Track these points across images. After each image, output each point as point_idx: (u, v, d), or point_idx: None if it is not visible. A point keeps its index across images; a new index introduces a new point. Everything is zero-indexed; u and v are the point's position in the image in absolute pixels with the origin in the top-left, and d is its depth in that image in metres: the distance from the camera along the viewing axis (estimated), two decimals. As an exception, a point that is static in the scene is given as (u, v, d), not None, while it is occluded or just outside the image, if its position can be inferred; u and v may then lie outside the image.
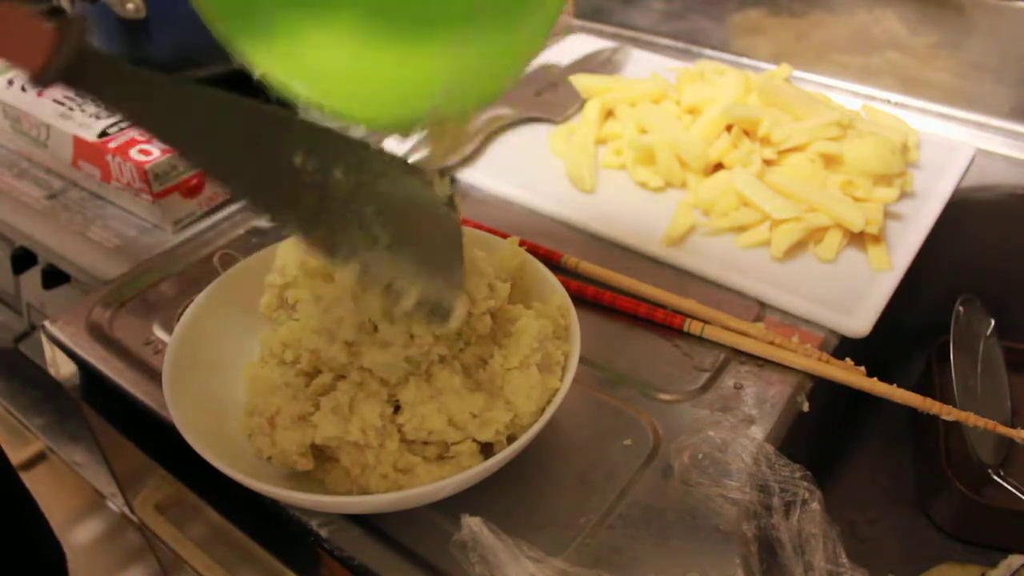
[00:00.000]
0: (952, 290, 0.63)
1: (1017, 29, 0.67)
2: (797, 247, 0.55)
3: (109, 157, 0.60)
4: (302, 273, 0.40)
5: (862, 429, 0.66)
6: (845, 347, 0.49)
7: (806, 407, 0.46)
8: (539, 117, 0.71)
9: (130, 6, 0.63)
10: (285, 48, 0.38)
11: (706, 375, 0.47)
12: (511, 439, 0.38)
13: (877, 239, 0.55)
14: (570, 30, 0.90)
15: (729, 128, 0.61)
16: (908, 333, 0.66)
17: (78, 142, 0.62)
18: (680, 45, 0.85)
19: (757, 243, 0.56)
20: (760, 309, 0.52)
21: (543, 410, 0.39)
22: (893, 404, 0.46)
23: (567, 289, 0.44)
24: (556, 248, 0.55)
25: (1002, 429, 0.44)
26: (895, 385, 0.46)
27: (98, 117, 0.62)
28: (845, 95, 0.75)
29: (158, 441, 0.46)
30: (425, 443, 0.38)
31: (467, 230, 0.47)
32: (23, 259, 0.64)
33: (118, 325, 0.51)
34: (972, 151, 0.65)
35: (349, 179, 0.34)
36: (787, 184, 0.57)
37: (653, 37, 0.87)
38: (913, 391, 0.45)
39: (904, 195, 0.60)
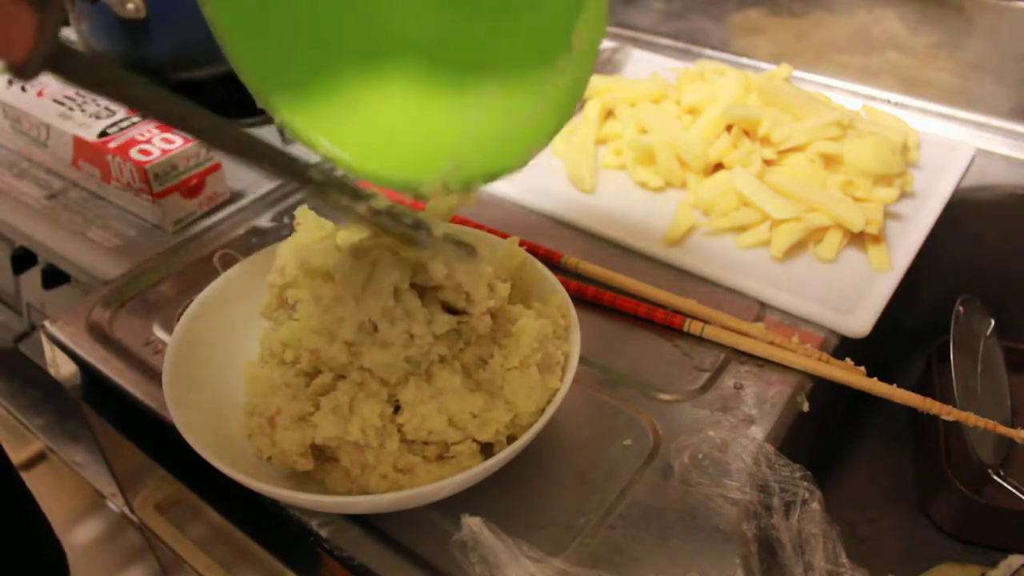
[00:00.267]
0: (952, 290, 0.63)
1: (1017, 29, 0.67)
2: (797, 247, 0.55)
3: (109, 157, 0.60)
4: (302, 273, 0.40)
5: (862, 429, 0.66)
6: (845, 347, 0.49)
7: (806, 407, 0.46)
8: (539, 117, 0.70)
9: (130, 6, 0.63)
10: (318, 105, 0.38)
11: (706, 375, 0.47)
12: (511, 439, 0.38)
13: (877, 239, 0.55)
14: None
15: (729, 128, 0.61)
16: (908, 333, 0.66)
17: (78, 142, 0.62)
18: (680, 45, 0.85)
19: (757, 243, 0.56)
20: (760, 309, 0.52)
21: (543, 410, 0.39)
22: (893, 404, 0.46)
23: (567, 289, 0.44)
24: (556, 248, 0.55)
25: (1002, 429, 0.44)
26: (895, 385, 0.46)
27: (98, 117, 0.62)
28: (845, 95, 0.75)
29: (158, 441, 0.46)
30: (425, 443, 0.38)
31: (467, 230, 0.47)
32: (23, 259, 0.64)
33: (118, 325, 0.51)
34: (972, 151, 0.65)
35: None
36: (787, 184, 0.57)
37: (653, 37, 0.87)
38: (913, 391, 0.45)
39: (904, 195, 0.60)
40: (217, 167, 0.62)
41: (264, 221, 0.61)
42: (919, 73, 0.73)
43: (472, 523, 0.35)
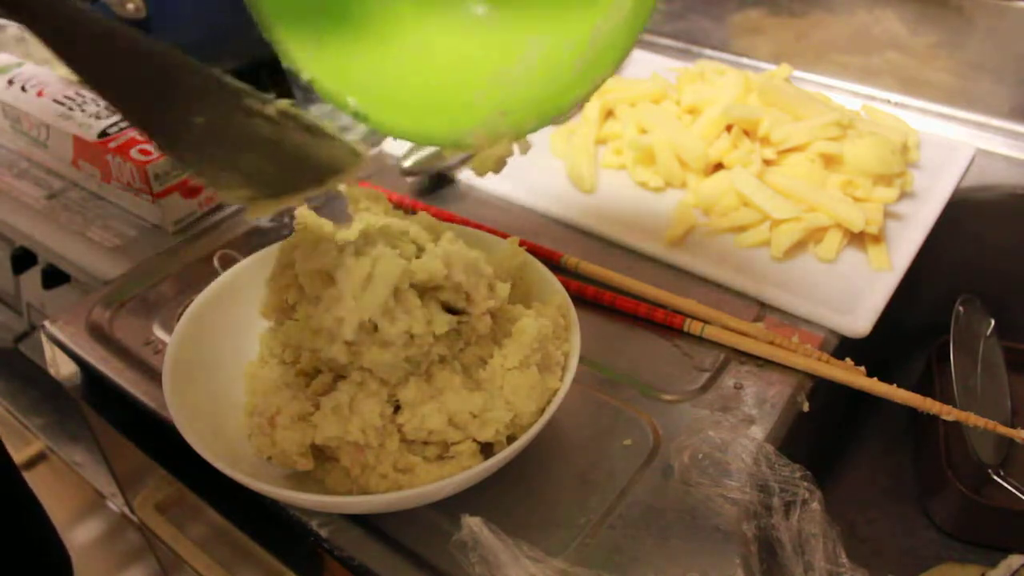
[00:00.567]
0: (952, 290, 0.63)
1: (1017, 29, 0.67)
2: (797, 247, 0.55)
3: (109, 157, 0.60)
4: (302, 273, 0.40)
5: (862, 429, 0.66)
6: (845, 347, 0.49)
7: (806, 407, 0.46)
8: (539, 117, 0.70)
9: (130, 6, 0.63)
10: (340, 55, 0.38)
11: (706, 375, 0.47)
12: (511, 439, 0.38)
13: (877, 239, 0.55)
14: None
15: (729, 128, 0.61)
16: (908, 333, 0.66)
17: (78, 142, 0.62)
18: (680, 45, 0.85)
19: (757, 243, 0.56)
20: (760, 309, 0.52)
21: (543, 410, 0.39)
22: (893, 404, 0.46)
23: (567, 289, 0.44)
24: (556, 248, 0.55)
25: (1002, 429, 0.44)
26: (895, 385, 0.46)
27: (98, 117, 0.62)
28: (845, 95, 0.75)
29: (158, 441, 0.46)
30: (425, 443, 0.38)
31: (467, 230, 0.47)
32: (23, 259, 0.64)
33: (118, 325, 0.51)
34: (972, 151, 0.65)
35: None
36: (787, 184, 0.57)
37: (653, 37, 0.87)
38: (913, 391, 0.45)
39: (904, 195, 0.60)
40: (217, 167, 0.62)
41: (264, 221, 0.61)
42: (919, 73, 0.73)
43: (472, 523, 0.35)
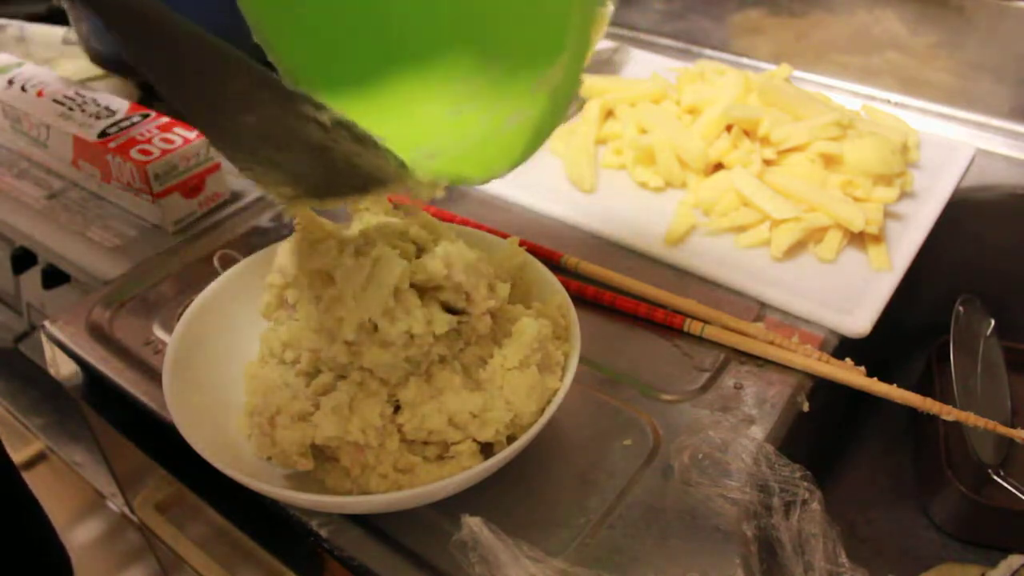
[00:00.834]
0: (952, 290, 0.63)
1: (1017, 29, 0.67)
2: (797, 247, 0.55)
3: (109, 157, 0.60)
4: (302, 273, 0.40)
5: (862, 429, 0.66)
6: (845, 347, 0.49)
7: (806, 407, 0.46)
8: (539, 117, 0.70)
9: (130, 6, 0.63)
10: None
11: (706, 375, 0.47)
12: (511, 439, 0.38)
13: (877, 239, 0.55)
14: (570, 30, 0.90)
15: (729, 128, 0.61)
16: (908, 333, 0.66)
17: (78, 142, 0.62)
18: (680, 45, 0.85)
19: (757, 243, 0.56)
20: (760, 309, 0.52)
21: (543, 410, 0.39)
22: (893, 404, 0.46)
23: (567, 289, 0.44)
24: (556, 248, 0.55)
25: (1002, 429, 0.44)
26: (895, 385, 0.46)
27: (98, 117, 0.62)
28: (845, 95, 0.75)
29: (158, 441, 0.46)
30: (425, 443, 0.38)
31: (467, 230, 0.47)
32: (23, 259, 0.64)
33: (118, 325, 0.51)
34: (972, 151, 0.65)
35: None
36: (787, 184, 0.57)
37: (653, 37, 0.87)
38: (913, 391, 0.45)
39: (904, 195, 0.60)
40: (217, 167, 0.62)
41: (264, 221, 0.61)
42: (919, 73, 0.73)
43: (472, 523, 0.35)
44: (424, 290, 0.38)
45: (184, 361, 0.41)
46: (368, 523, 0.39)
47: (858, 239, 0.56)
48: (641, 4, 0.86)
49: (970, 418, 0.44)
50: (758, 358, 0.48)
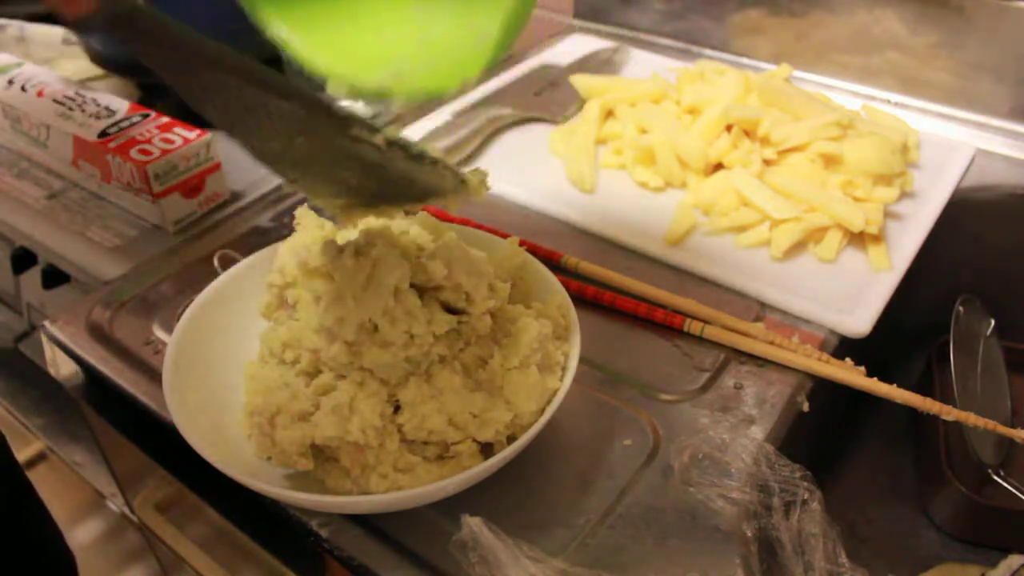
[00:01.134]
0: (952, 290, 0.63)
1: (1017, 29, 0.67)
2: (797, 247, 0.55)
3: (109, 157, 0.60)
4: (302, 273, 0.40)
5: (862, 429, 0.66)
6: (845, 347, 0.49)
7: (806, 407, 0.46)
8: (539, 117, 0.71)
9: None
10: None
11: (706, 375, 0.47)
12: (511, 439, 0.38)
13: (877, 239, 0.55)
14: (570, 30, 0.90)
15: (729, 128, 0.61)
16: (908, 333, 0.66)
17: (78, 142, 0.62)
18: (680, 45, 0.85)
19: (757, 243, 0.56)
20: (760, 309, 0.52)
21: (543, 410, 0.39)
22: (893, 404, 0.46)
23: (567, 289, 0.44)
24: (556, 248, 0.55)
25: (1002, 429, 0.44)
26: (895, 385, 0.46)
27: (98, 117, 0.62)
28: (845, 95, 0.75)
29: (158, 441, 0.46)
30: (425, 443, 0.38)
31: (467, 230, 0.47)
32: (23, 259, 0.64)
33: (118, 325, 0.51)
34: (972, 151, 0.65)
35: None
36: (787, 184, 0.57)
37: (653, 37, 0.87)
38: (913, 391, 0.45)
39: (904, 195, 0.60)
40: (217, 167, 0.62)
41: (264, 221, 0.61)
42: (919, 73, 0.73)
43: (472, 523, 0.35)
44: (424, 290, 0.38)
45: (184, 361, 0.41)
46: (368, 523, 0.39)
47: (858, 239, 0.56)
48: (641, 4, 0.86)
49: (970, 418, 0.44)
50: (758, 358, 0.48)
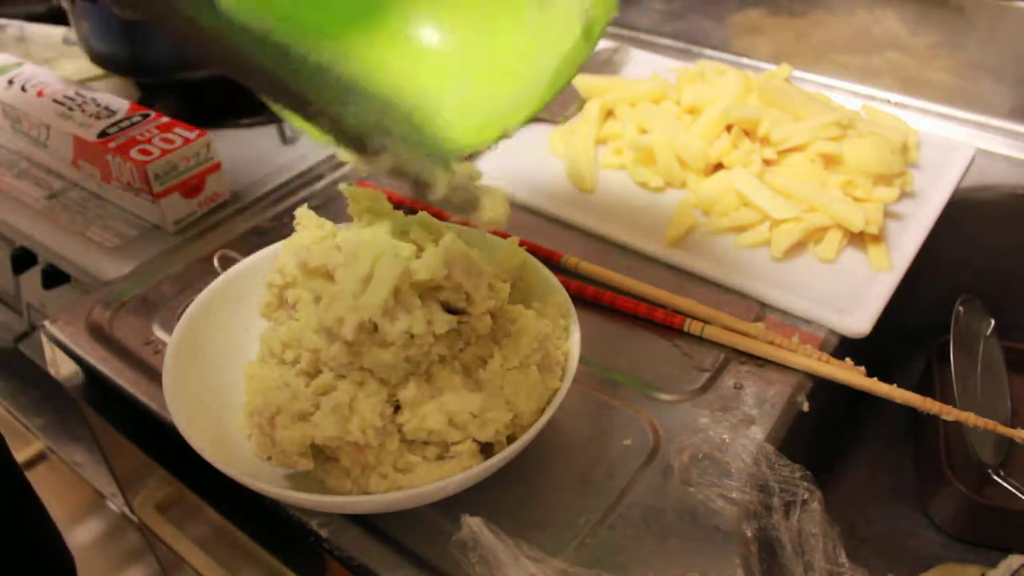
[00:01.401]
0: (952, 290, 0.63)
1: (1017, 29, 0.67)
2: (797, 247, 0.55)
3: (109, 157, 0.60)
4: (302, 273, 0.40)
5: (862, 429, 0.66)
6: (845, 347, 0.49)
7: (806, 407, 0.46)
8: (539, 117, 0.71)
9: (131, 9, 0.63)
10: None
11: (706, 375, 0.47)
12: (511, 439, 0.38)
13: (877, 239, 0.55)
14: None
15: (729, 128, 0.61)
16: (908, 333, 0.66)
17: (78, 142, 0.62)
18: (680, 45, 0.85)
19: (757, 243, 0.56)
20: (760, 309, 0.52)
21: (543, 410, 0.39)
22: (893, 404, 0.46)
23: (567, 289, 0.44)
24: (556, 248, 0.55)
25: (1002, 429, 0.44)
26: (895, 385, 0.46)
27: (98, 117, 0.62)
28: (845, 95, 0.75)
29: (158, 441, 0.46)
30: (425, 443, 0.38)
31: (467, 230, 0.47)
32: (23, 259, 0.64)
33: (118, 325, 0.51)
34: (972, 151, 0.65)
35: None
36: (787, 184, 0.57)
37: (653, 37, 0.87)
38: (913, 391, 0.45)
39: (904, 195, 0.60)
40: (217, 167, 0.62)
41: (264, 221, 0.61)
42: (919, 73, 0.73)
43: (472, 523, 0.35)
44: (424, 290, 0.38)
45: (184, 361, 0.41)
46: (368, 523, 0.39)
47: (858, 239, 0.56)
48: (641, 4, 0.86)
49: (970, 418, 0.44)
50: (758, 358, 0.48)
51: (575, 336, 0.41)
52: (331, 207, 0.61)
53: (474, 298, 0.38)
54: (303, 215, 0.44)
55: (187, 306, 0.44)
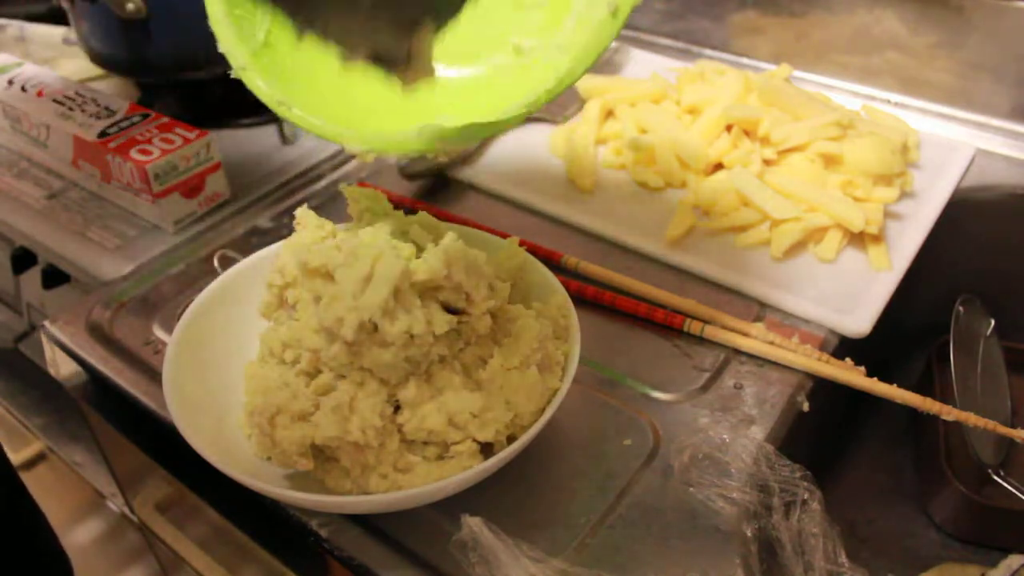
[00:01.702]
0: (952, 290, 0.63)
1: (1017, 29, 0.67)
2: (797, 247, 0.55)
3: (109, 157, 0.60)
4: (302, 273, 0.40)
5: (862, 429, 0.66)
6: (845, 347, 0.49)
7: (806, 407, 0.46)
8: (539, 117, 0.71)
9: (130, 6, 0.63)
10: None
11: (706, 375, 0.47)
12: (511, 439, 0.38)
13: (877, 239, 0.55)
14: (570, 30, 0.90)
15: (729, 128, 0.61)
16: (908, 333, 0.66)
17: (78, 142, 0.62)
18: (680, 45, 0.85)
19: (757, 243, 0.56)
20: (760, 309, 0.52)
21: (543, 410, 0.39)
22: (893, 404, 0.46)
23: (567, 289, 0.44)
24: (556, 248, 0.55)
25: (1002, 429, 0.44)
26: (895, 385, 0.46)
27: (98, 117, 0.62)
28: (845, 95, 0.75)
29: (158, 441, 0.46)
30: (425, 443, 0.38)
31: (467, 230, 0.47)
32: (23, 259, 0.64)
33: (118, 325, 0.51)
34: (972, 151, 0.65)
35: None
36: (787, 184, 0.57)
37: (653, 37, 0.87)
38: (913, 391, 0.45)
39: (904, 195, 0.60)
40: (217, 167, 0.62)
41: (264, 221, 0.61)
42: (919, 73, 0.73)
43: (472, 523, 0.35)
44: (424, 290, 0.38)
45: (184, 361, 0.41)
46: (368, 523, 0.39)
47: (858, 239, 0.56)
48: (641, 4, 0.86)
49: (970, 418, 0.44)
50: (758, 358, 0.48)
51: (575, 336, 0.41)
52: (331, 207, 0.61)
53: (474, 298, 0.38)
54: (303, 215, 0.44)
55: (187, 306, 0.44)
